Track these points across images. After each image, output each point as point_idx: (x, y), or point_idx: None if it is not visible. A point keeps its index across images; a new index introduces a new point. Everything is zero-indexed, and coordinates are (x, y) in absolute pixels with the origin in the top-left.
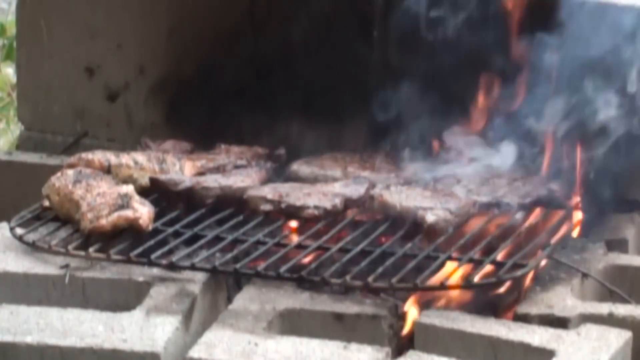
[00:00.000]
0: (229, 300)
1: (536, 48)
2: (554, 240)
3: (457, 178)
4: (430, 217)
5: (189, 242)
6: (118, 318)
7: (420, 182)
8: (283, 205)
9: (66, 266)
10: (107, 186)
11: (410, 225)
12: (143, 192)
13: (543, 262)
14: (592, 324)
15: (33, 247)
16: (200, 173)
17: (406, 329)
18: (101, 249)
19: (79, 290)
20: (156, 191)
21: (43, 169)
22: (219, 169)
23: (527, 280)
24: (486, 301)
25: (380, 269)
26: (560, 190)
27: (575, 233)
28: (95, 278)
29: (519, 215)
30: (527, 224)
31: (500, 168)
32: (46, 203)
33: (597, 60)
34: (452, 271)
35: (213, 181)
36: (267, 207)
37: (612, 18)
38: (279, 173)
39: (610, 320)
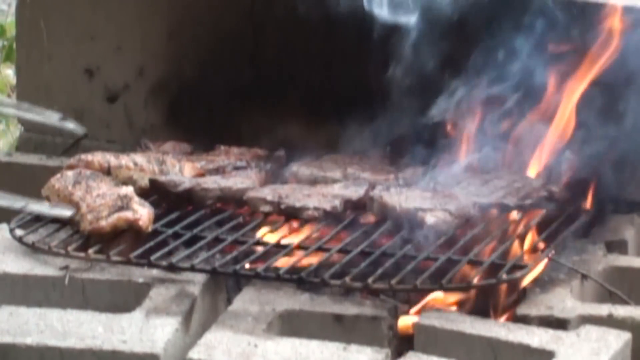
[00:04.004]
0: (229, 301)
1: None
2: (553, 241)
3: (457, 179)
4: (430, 219)
5: (188, 243)
6: (118, 319)
7: (420, 183)
8: (283, 207)
9: (66, 267)
10: (106, 187)
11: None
12: (143, 193)
13: (542, 264)
14: (592, 325)
15: (33, 249)
16: (200, 174)
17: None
18: (101, 250)
19: (79, 291)
20: (156, 192)
21: (43, 170)
22: (219, 171)
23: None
24: (486, 302)
25: (379, 270)
26: (560, 191)
27: (574, 234)
28: (95, 279)
29: (518, 217)
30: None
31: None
32: None
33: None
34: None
35: (213, 182)
36: (266, 208)
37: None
38: (279, 174)
39: (609, 322)
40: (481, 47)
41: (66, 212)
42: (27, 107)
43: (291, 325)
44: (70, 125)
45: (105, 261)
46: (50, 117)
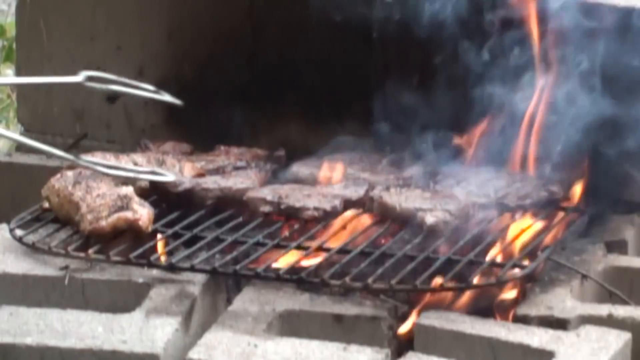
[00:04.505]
0: (229, 301)
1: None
2: (553, 241)
3: (456, 179)
4: (429, 219)
5: (188, 243)
6: (118, 319)
7: (420, 184)
8: (282, 207)
9: (66, 267)
10: (106, 187)
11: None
12: (143, 193)
13: (542, 264)
14: (592, 326)
15: (33, 249)
16: (200, 174)
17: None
18: (101, 251)
19: (79, 291)
20: (156, 193)
21: (43, 170)
22: (219, 171)
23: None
24: (485, 302)
25: (379, 270)
26: (560, 191)
27: (574, 234)
28: (95, 279)
29: (518, 217)
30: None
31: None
32: (46, 204)
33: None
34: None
35: (213, 183)
36: (266, 208)
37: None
38: (279, 175)
39: (609, 322)
40: (480, 46)
41: (169, 177)
42: (125, 82)
43: (291, 325)
44: (166, 97)
45: (105, 261)
46: (147, 90)
